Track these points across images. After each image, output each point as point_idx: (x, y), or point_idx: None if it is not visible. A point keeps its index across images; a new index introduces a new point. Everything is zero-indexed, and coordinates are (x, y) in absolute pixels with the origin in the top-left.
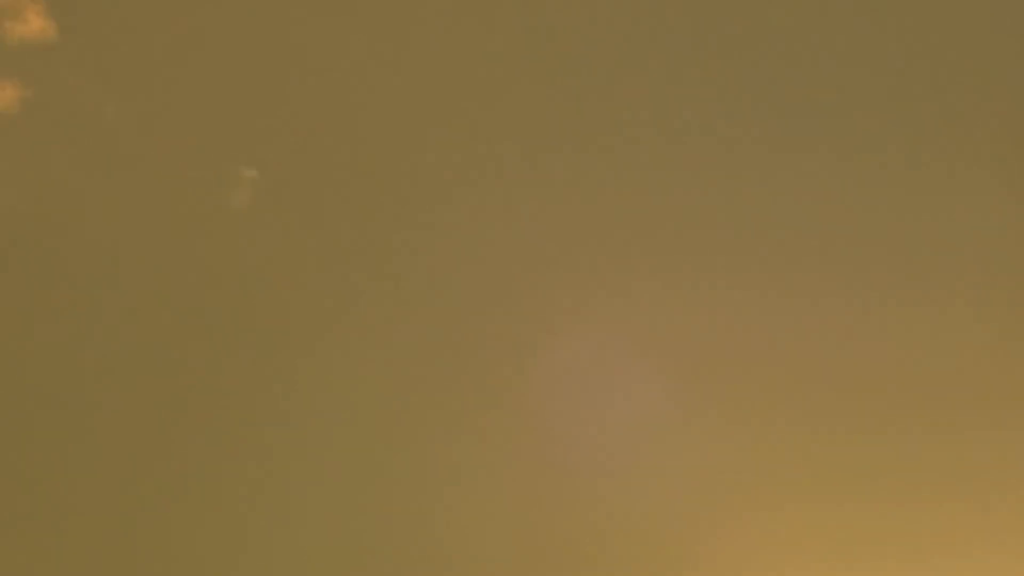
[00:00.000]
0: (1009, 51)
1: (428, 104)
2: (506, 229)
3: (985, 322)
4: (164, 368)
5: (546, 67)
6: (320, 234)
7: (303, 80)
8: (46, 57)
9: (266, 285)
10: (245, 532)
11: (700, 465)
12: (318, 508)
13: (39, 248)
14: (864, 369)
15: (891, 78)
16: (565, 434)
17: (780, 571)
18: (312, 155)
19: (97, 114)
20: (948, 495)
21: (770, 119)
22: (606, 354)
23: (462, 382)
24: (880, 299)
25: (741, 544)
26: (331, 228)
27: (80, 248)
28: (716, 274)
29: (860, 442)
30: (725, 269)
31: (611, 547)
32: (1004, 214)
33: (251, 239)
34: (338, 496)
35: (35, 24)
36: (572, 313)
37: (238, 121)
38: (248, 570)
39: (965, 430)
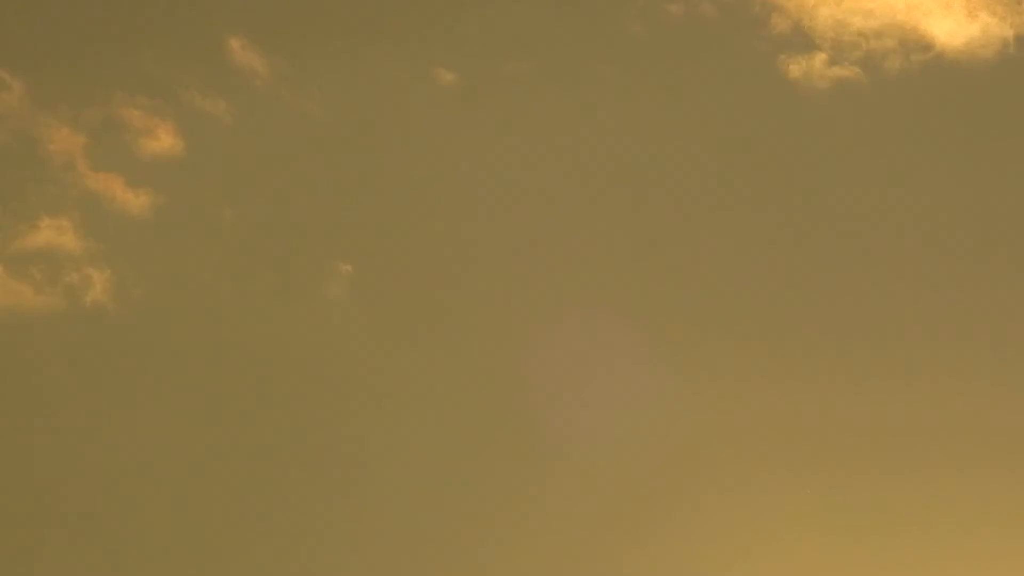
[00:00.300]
0: None
1: (496, 206)
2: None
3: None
4: (272, 428)
5: None
6: (402, 318)
7: (390, 192)
8: (174, 170)
9: (357, 359)
10: None
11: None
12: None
13: (168, 332)
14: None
15: None
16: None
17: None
18: (397, 253)
19: (216, 218)
20: (921, 462)
21: None
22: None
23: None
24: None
25: (721, 507)
26: (411, 313)
27: (202, 331)
28: None
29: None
30: None
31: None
32: None
33: (345, 322)
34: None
35: (165, 141)
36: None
37: (335, 224)
38: None
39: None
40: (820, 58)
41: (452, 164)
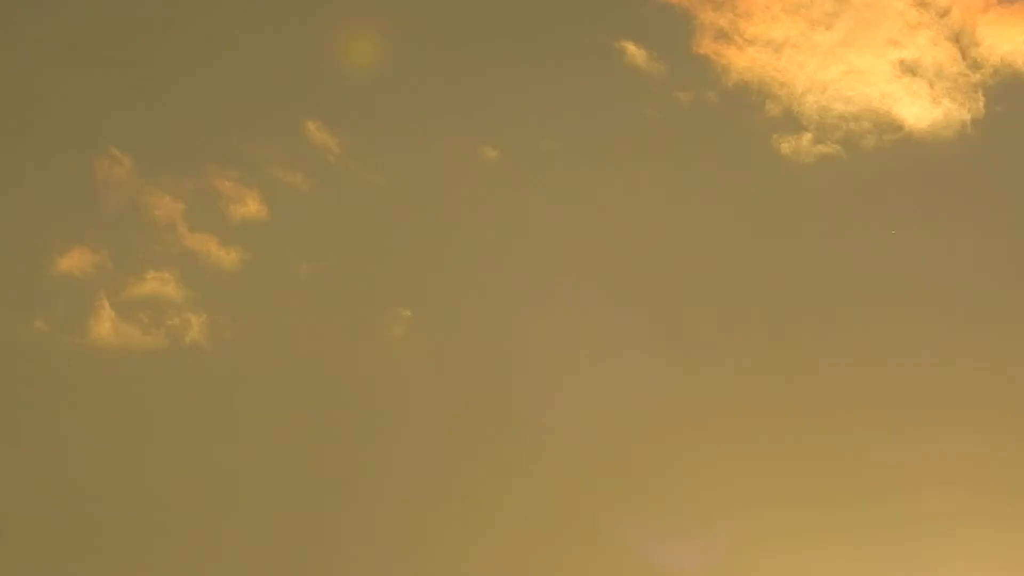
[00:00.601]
0: None
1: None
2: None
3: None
4: (340, 450)
5: None
6: (454, 353)
7: (443, 248)
8: (259, 231)
9: (415, 390)
10: None
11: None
12: None
13: (254, 367)
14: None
15: None
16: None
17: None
18: (450, 299)
19: (295, 271)
20: (891, 426)
21: None
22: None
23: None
24: None
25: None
26: (462, 349)
27: (284, 366)
28: None
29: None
30: None
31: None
32: None
33: (406, 358)
34: None
35: (252, 207)
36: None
37: (396, 276)
38: None
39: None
40: (807, 137)
41: (495, 225)
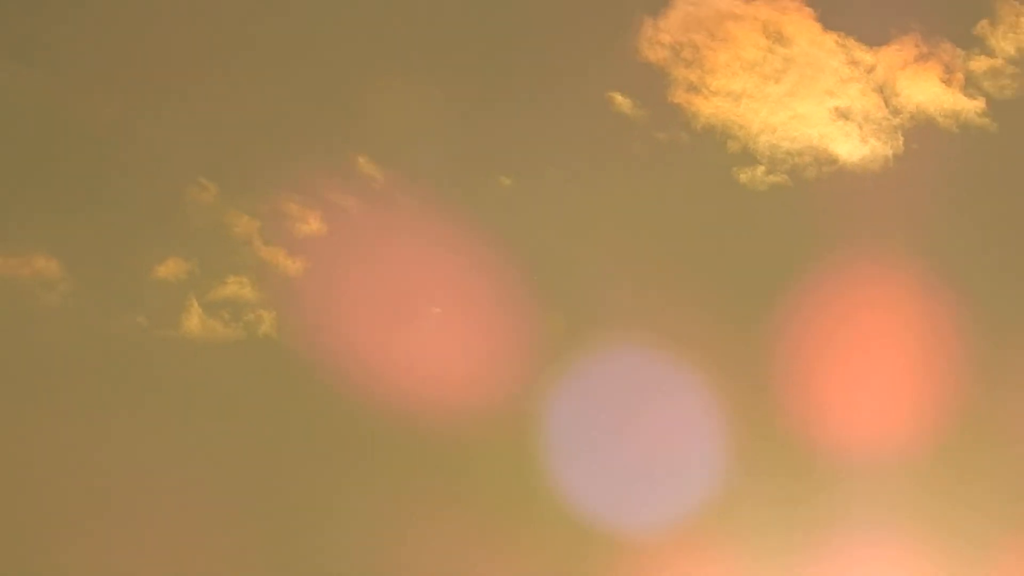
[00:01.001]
0: None
1: None
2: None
3: None
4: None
5: None
6: (482, 343)
7: (466, 257)
8: (319, 245)
9: (446, 376)
10: None
11: None
12: None
13: (316, 354)
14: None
15: None
16: None
17: None
18: (473, 297)
19: (348, 277)
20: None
21: None
22: None
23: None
24: None
25: None
26: (488, 339)
27: (339, 352)
28: None
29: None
30: None
31: None
32: None
33: (436, 346)
34: None
35: (314, 225)
36: None
37: (428, 277)
38: None
39: None
40: (760, 169)
41: (509, 236)
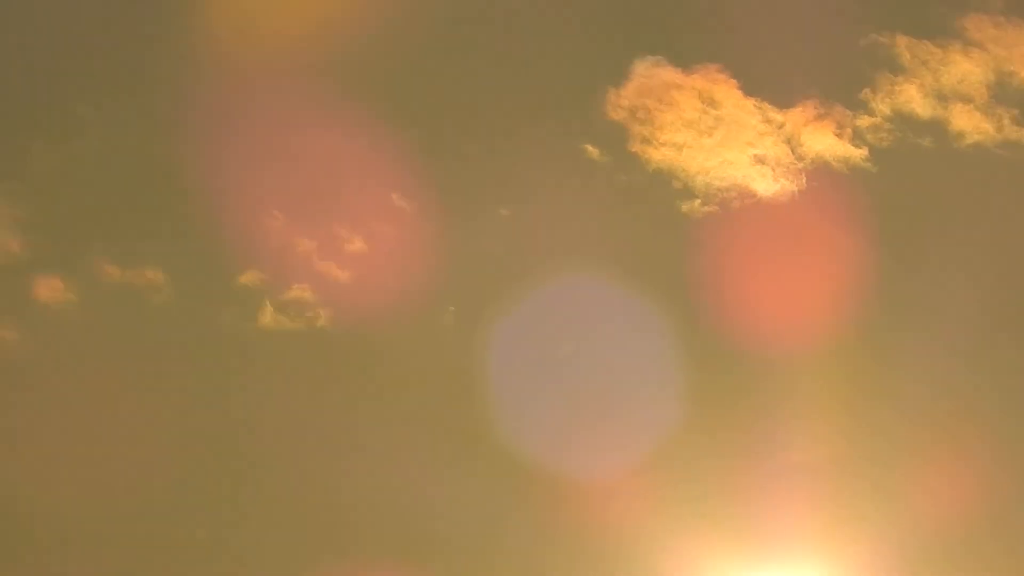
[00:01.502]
0: None
1: None
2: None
3: None
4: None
5: None
6: (489, 331)
7: (474, 270)
8: (362, 259)
9: (460, 370)
10: None
11: None
12: None
13: (363, 344)
14: None
15: None
16: None
17: None
18: (486, 298)
19: (384, 284)
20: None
21: None
22: None
23: None
24: None
25: None
26: (495, 323)
27: (386, 344)
28: None
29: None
30: None
31: None
32: None
33: (452, 345)
34: None
35: (358, 244)
36: None
37: (443, 283)
38: None
39: None
40: (697, 202)
41: (502, 254)
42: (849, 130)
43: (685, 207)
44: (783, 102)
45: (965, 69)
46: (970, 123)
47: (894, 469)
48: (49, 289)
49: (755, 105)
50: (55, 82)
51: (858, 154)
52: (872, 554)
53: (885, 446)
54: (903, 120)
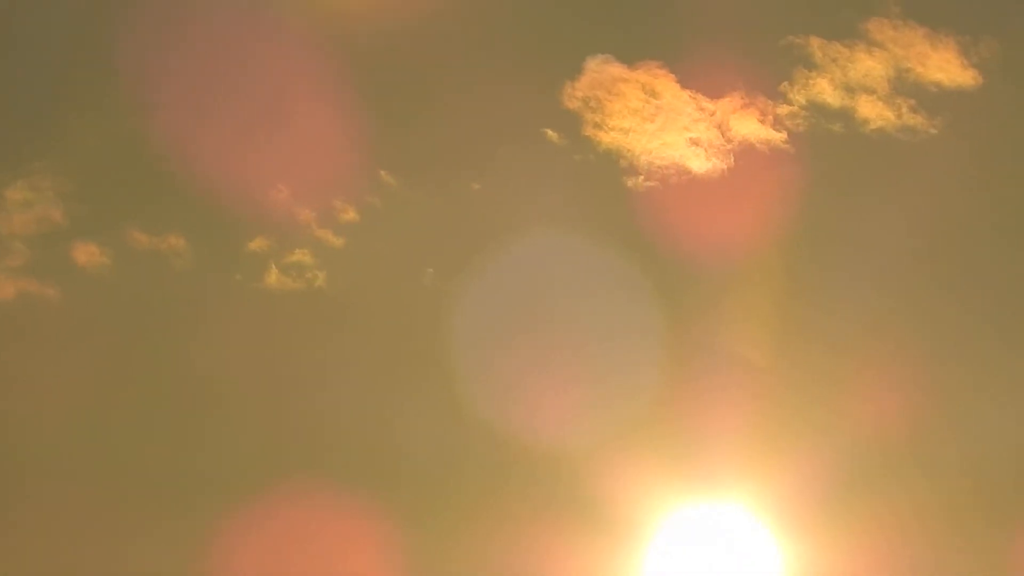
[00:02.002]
0: None
1: None
2: None
3: None
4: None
5: None
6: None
7: (454, 234)
8: (355, 229)
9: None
10: None
11: None
12: None
13: (359, 305)
14: None
15: None
16: None
17: None
18: (471, 258)
19: (372, 250)
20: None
21: None
22: None
23: None
24: None
25: None
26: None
27: (382, 306)
28: None
29: None
30: None
31: None
32: None
33: (432, 305)
34: None
35: (351, 215)
36: None
37: (425, 247)
38: None
39: None
40: (641, 178)
41: (474, 219)
42: (771, 117)
43: (631, 182)
44: (714, 93)
45: (869, 65)
46: (874, 111)
47: (827, 389)
48: (86, 254)
49: (690, 96)
50: (91, 71)
51: (778, 137)
52: (799, 477)
53: (808, 373)
54: (817, 109)
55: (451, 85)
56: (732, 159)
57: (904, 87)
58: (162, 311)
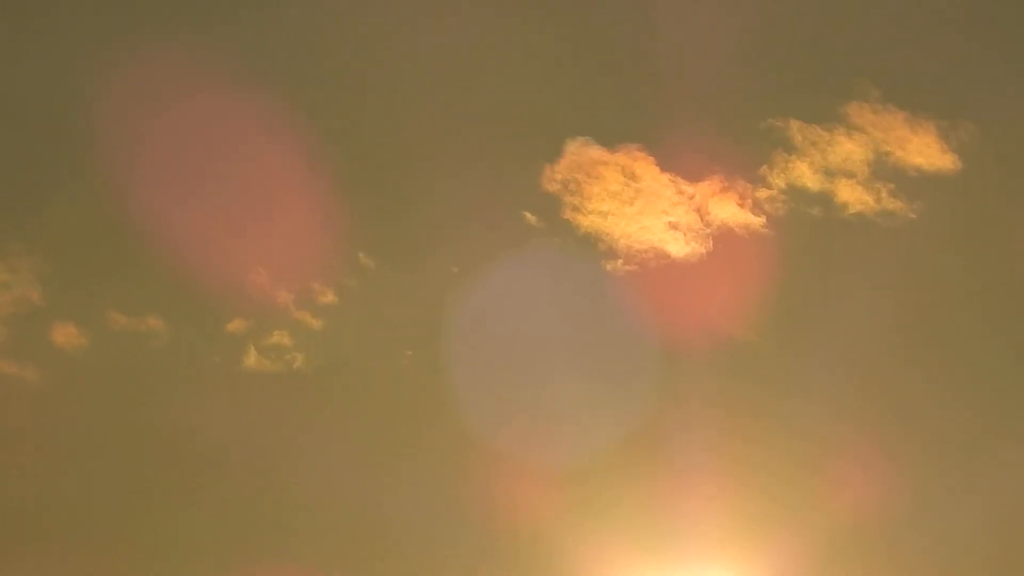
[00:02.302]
0: None
1: None
2: None
3: None
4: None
5: None
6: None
7: (438, 306)
8: (333, 311)
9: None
10: None
11: None
12: None
13: (334, 385)
14: None
15: None
16: None
17: None
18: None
19: (358, 331)
20: None
21: None
22: None
23: None
24: None
25: None
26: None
27: (360, 385)
28: None
29: None
30: None
31: None
32: None
33: (413, 382)
34: None
35: (329, 297)
36: None
37: (400, 327)
38: None
39: None
40: (620, 261)
41: (458, 299)
42: (750, 200)
43: (609, 266)
44: (693, 176)
45: (848, 149)
46: (853, 195)
47: (803, 473)
48: (65, 334)
49: (669, 179)
50: (71, 153)
51: (757, 221)
52: (782, 554)
53: (786, 458)
54: (796, 192)
55: (430, 167)
56: (711, 243)
57: (883, 171)
58: (141, 392)
